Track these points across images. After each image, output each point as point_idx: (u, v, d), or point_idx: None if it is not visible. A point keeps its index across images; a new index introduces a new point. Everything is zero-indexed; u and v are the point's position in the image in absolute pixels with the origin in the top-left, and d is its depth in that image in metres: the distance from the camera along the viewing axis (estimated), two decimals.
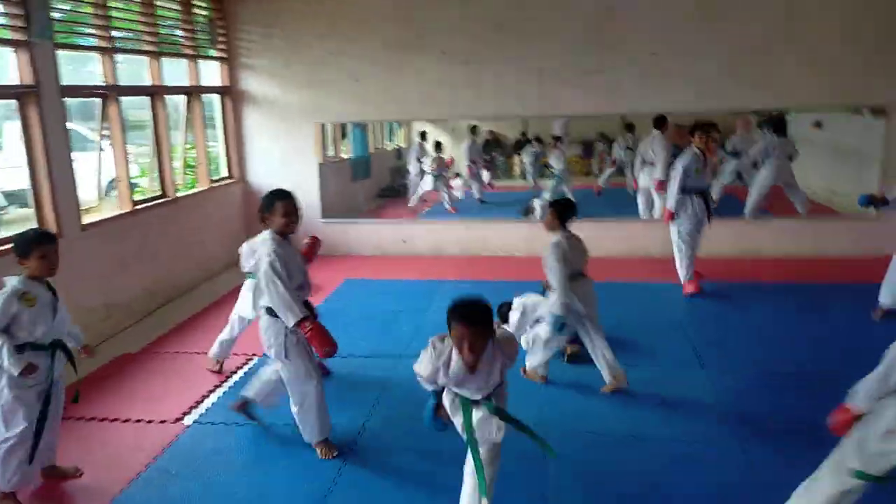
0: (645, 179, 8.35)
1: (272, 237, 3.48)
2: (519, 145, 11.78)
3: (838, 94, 7.11)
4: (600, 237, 7.62)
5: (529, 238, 7.59)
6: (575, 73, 7.32)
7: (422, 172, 10.60)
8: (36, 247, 3.15)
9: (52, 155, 4.99)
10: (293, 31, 7.62)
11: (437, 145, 10.72)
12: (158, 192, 6.58)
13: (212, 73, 7.62)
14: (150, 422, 4.15)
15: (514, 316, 4.70)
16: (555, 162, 9.87)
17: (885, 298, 5.33)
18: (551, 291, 4.21)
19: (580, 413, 4.13)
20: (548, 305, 4.25)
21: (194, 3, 7.03)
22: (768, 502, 2.98)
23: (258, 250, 3.51)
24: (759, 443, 3.68)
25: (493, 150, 12.39)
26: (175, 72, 6.93)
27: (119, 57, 5.95)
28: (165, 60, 6.60)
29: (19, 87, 4.82)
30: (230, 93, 7.82)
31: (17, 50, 4.82)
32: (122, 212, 5.89)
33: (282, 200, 3.47)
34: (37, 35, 4.86)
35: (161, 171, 6.57)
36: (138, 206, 6.11)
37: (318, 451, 3.74)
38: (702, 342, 5.15)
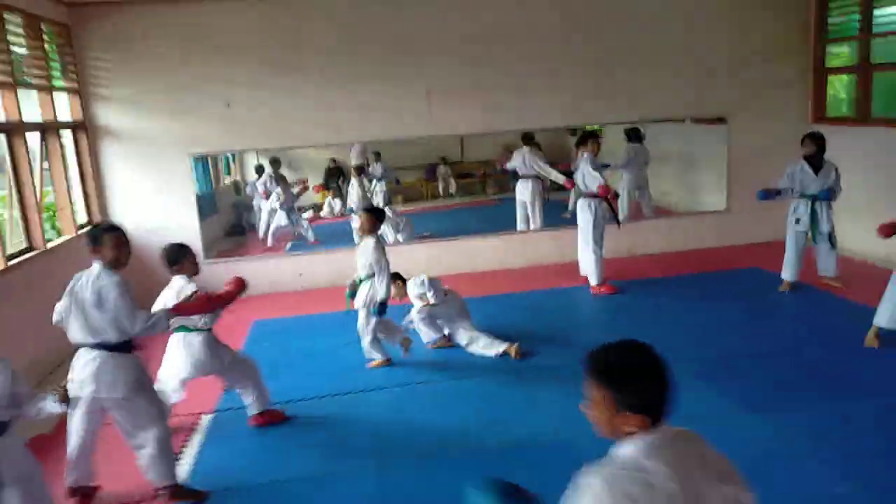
0: (522, 192, 8.73)
1: (108, 270, 3.36)
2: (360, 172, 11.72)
3: (685, 106, 8.08)
4: (496, 251, 7.96)
5: (433, 256, 7.63)
6: (459, 93, 7.51)
7: (272, 209, 10.01)
8: None
9: None
10: (152, 56, 6.94)
11: (283, 179, 10.26)
12: (25, 246, 5.59)
13: (61, 106, 6.65)
14: None
15: None
16: (353, 196, 8.84)
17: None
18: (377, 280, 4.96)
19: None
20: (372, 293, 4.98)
21: (42, 28, 6.11)
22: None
23: (95, 286, 3.31)
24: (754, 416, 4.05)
25: (336, 179, 12.21)
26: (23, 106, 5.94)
27: None
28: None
29: None
30: (84, 127, 6.89)
31: None
32: None
33: (110, 233, 3.41)
34: None
35: (26, 220, 5.59)
36: (10, 262, 5.14)
37: (171, 494, 3.53)
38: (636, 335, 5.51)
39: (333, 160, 11.87)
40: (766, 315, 5.88)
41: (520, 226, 8.74)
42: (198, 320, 3.97)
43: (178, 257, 3.99)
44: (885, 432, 3.78)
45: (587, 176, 6.42)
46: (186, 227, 7.25)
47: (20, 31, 5.79)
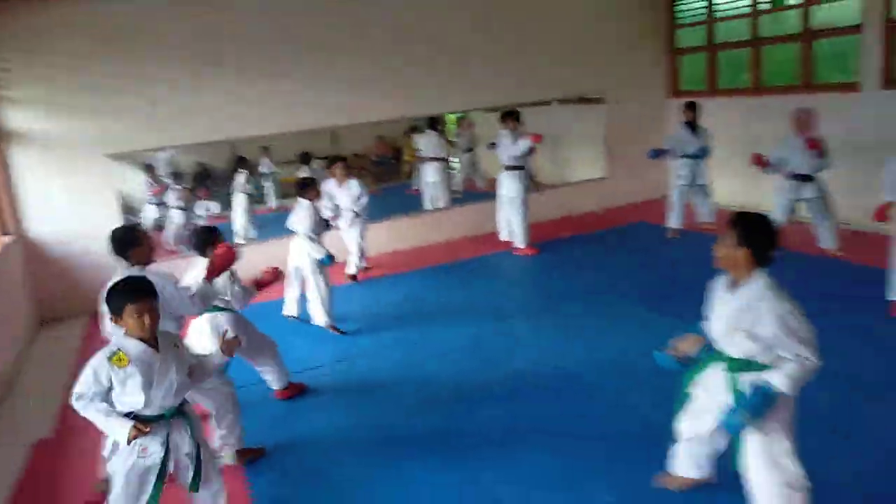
0: (429, 174, 9.34)
1: (142, 268, 3.49)
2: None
3: (569, 88, 9.15)
4: (416, 229, 8.59)
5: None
6: (378, 81, 7.97)
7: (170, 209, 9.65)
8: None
9: None
10: (63, 55, 6.63)
11: (178, 176, 10.02)
12: None
13: None
14: None
15: None
16: (174, 201, 8.81)
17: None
18: None
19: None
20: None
21: None
22: None
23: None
24: None
25: (205, 183, 11.95)
26: None
27: None
28: None
29: None
30: None
31: None
32: None
33: (141, 232, 3.63)
34: None
35: None
36: None
37: (238, 456, 3.82)
38: (572, 283, 6.45)
39: (200, 163, 11.66)
40: (664, 256, 7.04)
41: (427, 206, 9.37)
42: (233, 302, 4.15)
43: (209, 241, 4.04)
44: None
45: (510, 148, 7.21)
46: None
47: None
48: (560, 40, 8.82)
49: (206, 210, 11.58)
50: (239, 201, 9.39)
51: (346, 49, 7.77)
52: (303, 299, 5.95)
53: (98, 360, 2.63)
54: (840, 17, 7.19)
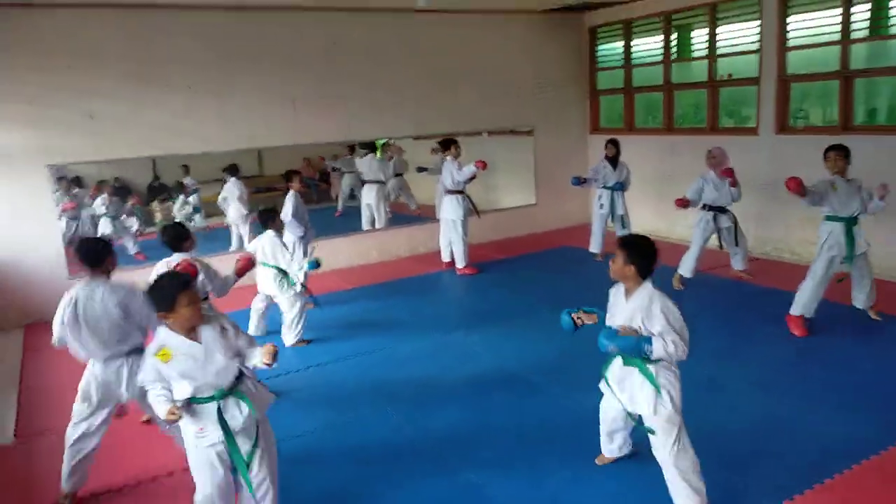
0: (367, 196, 9.69)
1: (107, 281, 3.57)
2: (154, 191, 11.50)
3: (503, 121, 9.81)
4: (356, 249, 8.94)
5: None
6: (320, 105, 8.30)
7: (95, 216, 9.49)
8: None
9: None
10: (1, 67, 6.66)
11: (104, 183, 9.84)
12: None
13: None
14: None
15: None
16: (102, 209, 8.87)
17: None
18: None
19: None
20: None
21: None
22: None
23: (115, 299, 3.50)
24: None
25: (125, 200, 11.71)
26: None
27: None
28: None
29: None
30: None
31: None
32: None
33: (109, 245, 3.64)
34: None
35: None
36: None
37: None
38: (510, 300, 6.97)
39: (117, 179, 11.42)
40: (589, 275, 7.63)
41: (365, 226, 9.67)
42: (214, 292, 4.37)
43: (183, 236, 4.32)
44: None
45: (455, 174, 7.70)
46: (50, 246, 7.09)
47: None
48: (494, 79, 9.49)
49: (128, 225, 11.34)
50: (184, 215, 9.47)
51: (289, 72, 8.08)
52: (273, 311, 6.10)
53: (149, 356, 2.84)
54: (742, 69, 8.19)
